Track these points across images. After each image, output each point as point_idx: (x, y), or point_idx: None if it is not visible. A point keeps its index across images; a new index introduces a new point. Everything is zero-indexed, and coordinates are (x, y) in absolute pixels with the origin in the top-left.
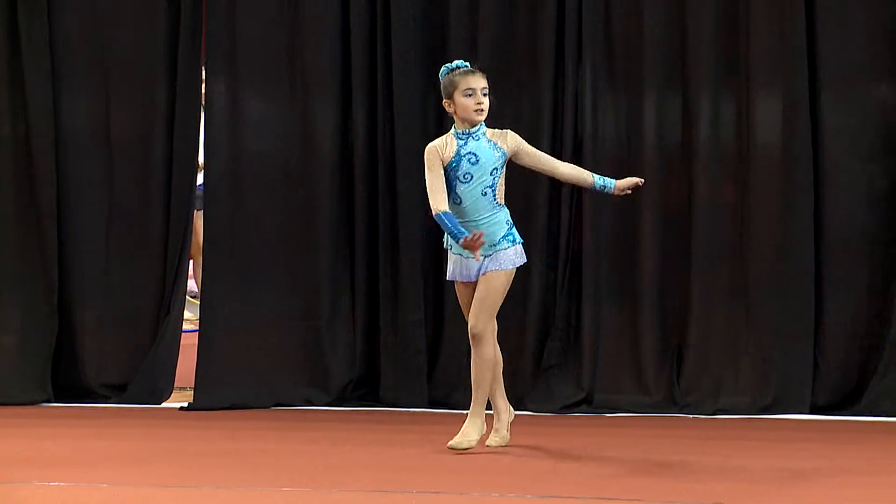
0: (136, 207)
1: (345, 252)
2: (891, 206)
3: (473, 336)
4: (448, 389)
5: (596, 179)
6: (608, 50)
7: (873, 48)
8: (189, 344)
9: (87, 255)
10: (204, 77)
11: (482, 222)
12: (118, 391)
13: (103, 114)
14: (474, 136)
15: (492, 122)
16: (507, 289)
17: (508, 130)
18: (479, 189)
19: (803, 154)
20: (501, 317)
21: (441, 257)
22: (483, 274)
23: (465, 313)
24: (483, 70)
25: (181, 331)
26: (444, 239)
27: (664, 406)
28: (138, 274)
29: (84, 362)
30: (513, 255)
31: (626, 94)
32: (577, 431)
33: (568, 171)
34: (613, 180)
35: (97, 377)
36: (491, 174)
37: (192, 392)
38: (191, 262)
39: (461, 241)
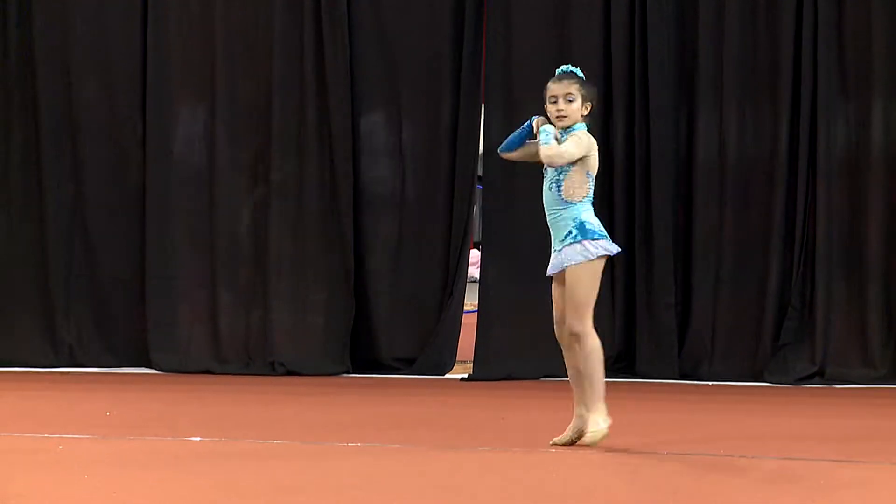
0: (423, 204)
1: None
2: None
3: (573, 335)
4: (695, 363)
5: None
6: (840, 62)
7: None
8: (468, 323)
9: (381, 245)
10: (483, 92)
11: (551, 217)
12: (407, 364)
13: (396, 126)
14: (563, 137)
15: (736, 124)
16: (593, 282)
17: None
18: (548, 184)
19: None
20: (742, 297)
21: (691, 247)
22: (561, 271)
23: (555, 308)
24: (573, 75)
25: (462, 311)
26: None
27: (889, 378)
28: (425, 262)
29: (378, 339)
30: (581, 250)
31: (855, 101)
32: (808, 401)
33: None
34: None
35: (389, 352)
36: (557, 171)
37: (472, 365)
38: (471, 250)
39: (534, 123)
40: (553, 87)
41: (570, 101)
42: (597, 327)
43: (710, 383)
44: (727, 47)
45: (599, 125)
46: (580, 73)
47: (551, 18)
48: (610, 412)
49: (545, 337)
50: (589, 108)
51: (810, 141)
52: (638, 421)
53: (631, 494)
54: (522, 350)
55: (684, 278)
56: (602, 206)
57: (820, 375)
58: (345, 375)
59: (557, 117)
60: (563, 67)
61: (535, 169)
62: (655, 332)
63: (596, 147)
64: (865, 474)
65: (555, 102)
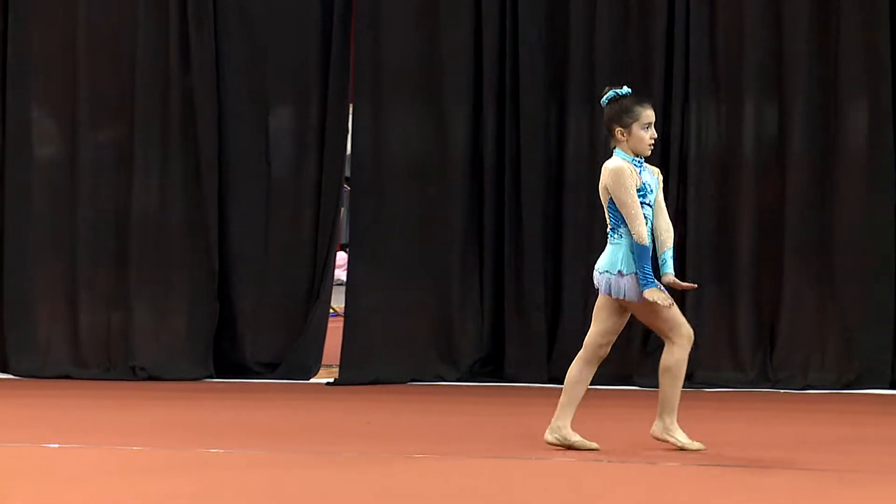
0: (289, 205)
1: (474, 245)
2: None
3: None
4: (565, 367)
5: (664, 254)
6: (712, 63)
7: None
8: (334, 327)
9: (246, 247)
10: (351, 93)
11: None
12: (271, 368)
13: (263, 127)
14: (643, 165)
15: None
16: None
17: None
18: (650, 218)
19: (886, 154)
20: None
21: (560, 248)
22: None
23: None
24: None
25: (328, 315)
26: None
27: (758, 382)
28: (291, 264)
29: (242, 342)
30: None
31: (727, 102)
32: (681, 405)
33: (662, 223)
34: (671, 270)
35: (253, 356)
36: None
37: (338, 369)
38: (338, 253)
39: (649, 290)
40: (651, 114)
41: None
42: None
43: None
44: (598, 45)
45: (470, 123)
46: None
47: (420, 18)
48: (478, 415)
49: (413, 341)
50: None
51: (681, 142)
52: (507, 425)
53: (500, 498)
54: (390, 354)
55: (554, 280)
56: (471, 205)
57: (689, 378)
58: (207, 380)
59: (651, 145)
60: (627, 90)
61: (403, 172)
62: (525, 335)
63: None
64: (734, 479)
65: (648, 129)
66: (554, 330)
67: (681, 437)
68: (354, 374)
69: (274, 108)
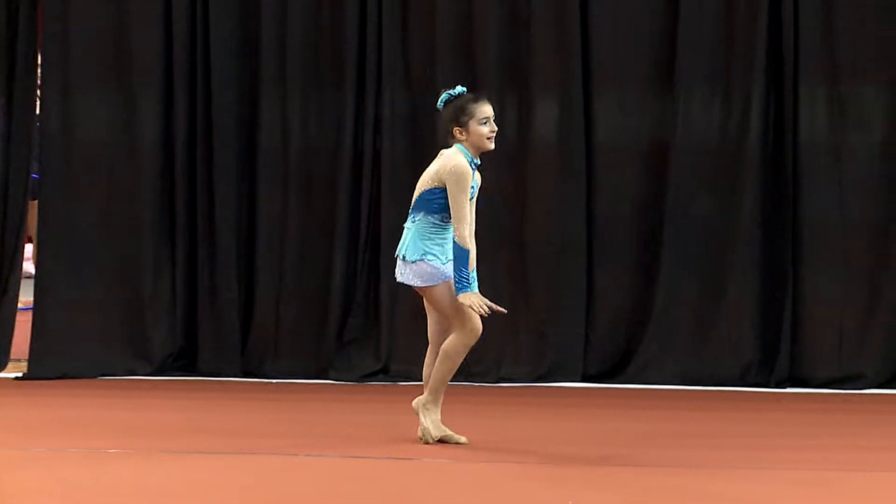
0: None
1: (167, 236)
2: (654, 195)
3: None
4: (259, 361)
5: (472, 273)
6: (405, 58)
7: (640, 52)
8: (23, 320)
9: None
10: (40, 76)
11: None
12: None
13: None
14: (475, 168)
15: (300, 116)
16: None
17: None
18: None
19: (576, 148)
20: (306, 293)
21: (254, 241)
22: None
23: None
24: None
25: (17, 308)
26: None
27: (458, 376)
28: None
29: None
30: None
31: (421, 95)
32: (374, 398)
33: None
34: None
35: None
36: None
37: (27, 364)
38: (27, 245)
39: (465, 293)
40: (487, 109)
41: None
42: None
43: (275, 381)
44: (290, 36)
45: (162, 113)
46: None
47: (109, 2)
48: (169, 410)
49: (104, 335)
50: None
51: (374, 133)
52: (202, 421)
53: (194, 494)
54: (80, 348)
55: (248, 274)
56: (163, 197)
57: (384, 372)
58: None
59: (490, 138)
60: (461, 89)
61: (92, 163)
62: (218, 329)
63: None
64: (432, 470)
65: (486, 123)
66: (247, 324)
67: (428, 422)
68: (44, 368)
69: None
